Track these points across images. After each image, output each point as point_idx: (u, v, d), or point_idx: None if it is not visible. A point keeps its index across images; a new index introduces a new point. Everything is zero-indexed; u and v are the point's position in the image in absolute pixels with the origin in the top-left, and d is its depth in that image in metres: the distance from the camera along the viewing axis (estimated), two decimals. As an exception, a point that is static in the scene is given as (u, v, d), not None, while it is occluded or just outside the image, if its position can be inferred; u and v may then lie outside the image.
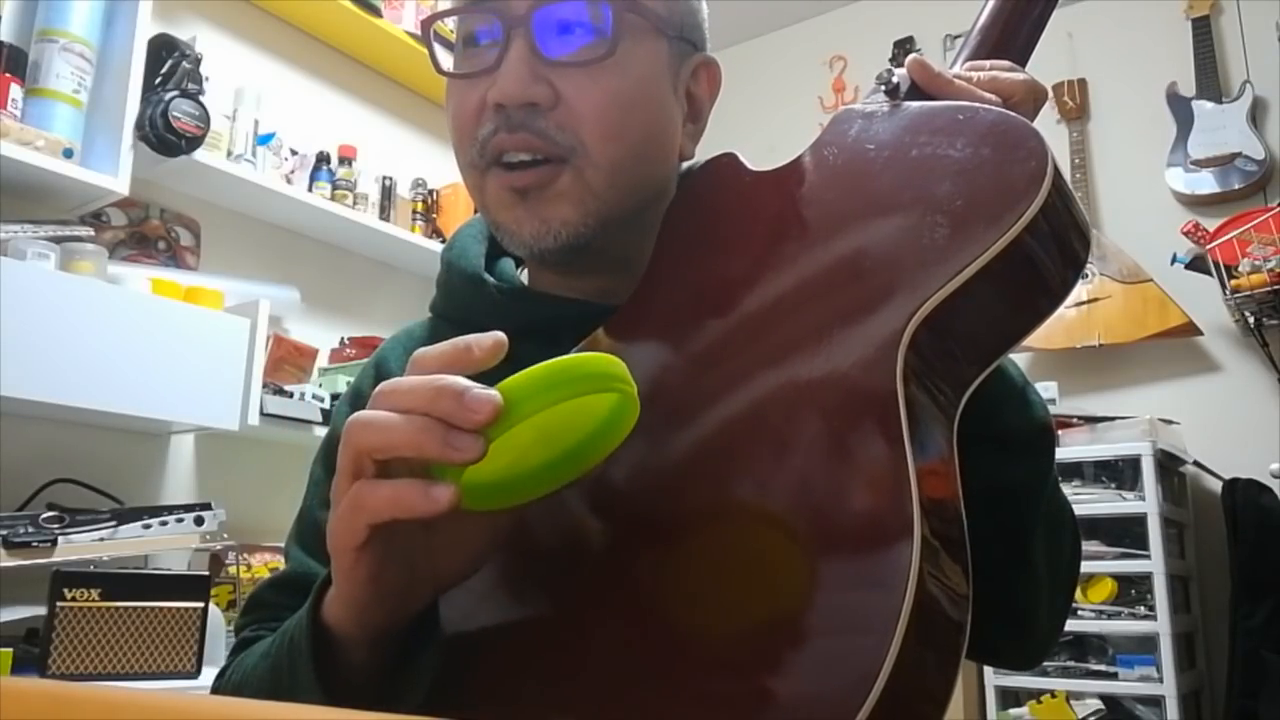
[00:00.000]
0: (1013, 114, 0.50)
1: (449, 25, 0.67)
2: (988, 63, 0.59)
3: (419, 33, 0.66)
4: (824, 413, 0.45)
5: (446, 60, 0.63)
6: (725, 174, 0.61)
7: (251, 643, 0.61)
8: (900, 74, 0.57)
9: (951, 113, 0.52)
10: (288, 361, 2.04)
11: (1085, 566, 2.15)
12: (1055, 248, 0.47)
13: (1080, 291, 2.53)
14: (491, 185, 0.61)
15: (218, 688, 0.61)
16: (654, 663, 0.42)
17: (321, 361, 2.19)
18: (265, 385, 1.88)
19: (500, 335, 0.44)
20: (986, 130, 0.49)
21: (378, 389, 0.43)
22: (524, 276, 0.71)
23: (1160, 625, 2.06)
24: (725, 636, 0.40)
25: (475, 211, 0.69)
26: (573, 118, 0.59)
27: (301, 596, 0.59)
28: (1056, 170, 0.46)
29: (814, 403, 0.45)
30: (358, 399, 0.70)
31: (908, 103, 0.55)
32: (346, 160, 2.30)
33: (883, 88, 0.57)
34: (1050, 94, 2.71)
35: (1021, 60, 0.61)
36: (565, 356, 0.42)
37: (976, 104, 0.52)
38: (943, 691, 0.38)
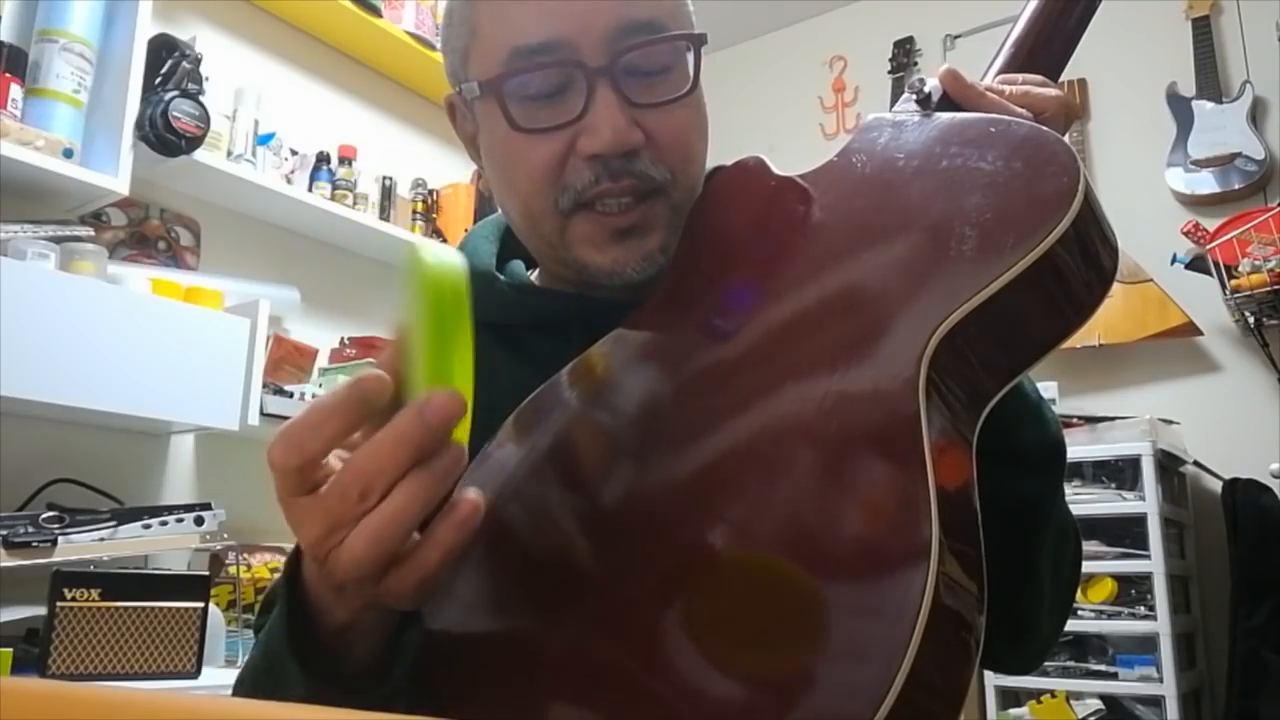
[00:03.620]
0: (1045, 128, 0.50)
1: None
2: (1020, 76, 0.59)
3: (484, 92, 0.65)
4: (843, 425, 0.44)
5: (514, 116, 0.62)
6: (751, 179, 0.61)
7: None
8: (933, 84, 0.57)
9: (983, 125, 0.51)
10: (288, 361, 2.04)
11: (1085, 566, 2.14)
12: (1084, 262, 0.46)
13: (1080, 291, 2.53)
14: (581, 228, 0.62)
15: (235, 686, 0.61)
16: (648, 683, 0.41)
17: (321, 361, 2.19)
18: (265, 385, 1.88)
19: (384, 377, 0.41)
20: (1019, 144, 0.49)
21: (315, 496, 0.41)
22: (533, 276, 0.72)
23: (1160, 625, 2.05)
24: (729, 656, 0.40)
25: (476, 213, 0.69)
26: (663, 153, 0.61)
27: None
28: (1088, 186, 0.46)
29: (834, 415, 0.44)
30: None
31: (939, 113, 0.54)
32: (346, 160, 2.30)
33: (914, 97, 0.57)
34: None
35: (1054, 75, 0.61)
36: (417, 301, 0.40)
37: (1008, 117, 0.52)
38: (956, 694, 0.38)
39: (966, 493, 0.42)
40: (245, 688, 0.54)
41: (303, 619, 0.47)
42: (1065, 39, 0.63)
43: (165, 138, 1.77)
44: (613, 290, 0.63)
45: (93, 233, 1.77)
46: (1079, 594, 2.15)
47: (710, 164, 0.74)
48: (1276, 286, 2.20)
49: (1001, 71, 0.61)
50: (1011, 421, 0.57)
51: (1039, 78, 0.59)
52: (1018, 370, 0.48)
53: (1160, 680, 2.03)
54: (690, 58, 0.61)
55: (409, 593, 0.43)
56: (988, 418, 0.47)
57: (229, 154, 2.01)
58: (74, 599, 1.40)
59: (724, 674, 0.39)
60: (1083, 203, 0.45)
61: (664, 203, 0.62)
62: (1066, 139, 0.50)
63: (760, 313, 0.52)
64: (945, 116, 0.54)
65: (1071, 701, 2.09)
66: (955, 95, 0.56)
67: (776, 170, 0.60)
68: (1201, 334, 2.45)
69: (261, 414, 1.83)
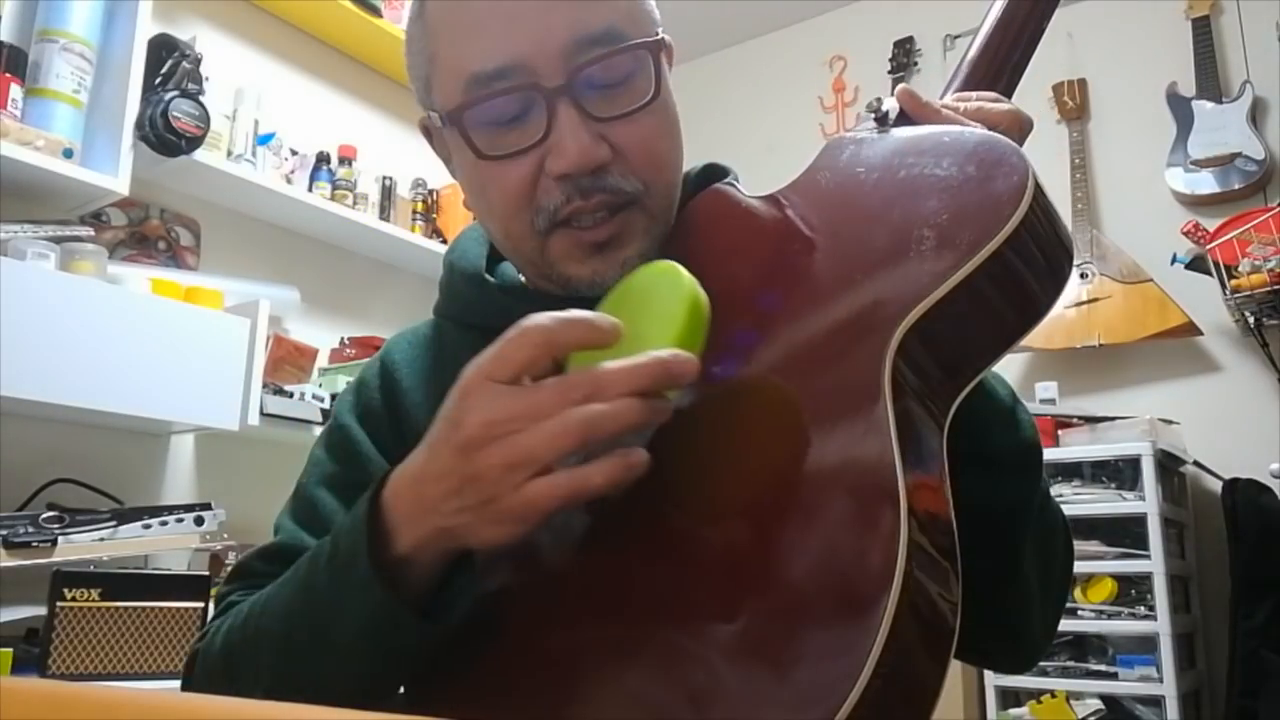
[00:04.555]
0: (995, 134, 0.52)
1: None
2: (974, 94, 0.61)
3: (447, 123, 0.66)
4: (815, 421, 0.46)
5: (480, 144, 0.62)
6: (721, 204, 0.64)
7: (236, 605, 0.61)
8: (890, 103, 0.59)
9: (938, 136, 0.54)
10: (288, 361, 2.04)
11: (1085, 566, 2.15)
12: (1039, 257, 0.49)
13: (1080, 291, 2.53)
14: (559, 244, 0.62)
15: (203, 648, 0.60)
16: (640, 678, 0.43)
17: (321, 361, 2.19)
18: (265, 385, 1.88)
19: (615, 321, 0.47)
20: (971, 150, 0.51)
21: (574, 382, 0.45)
22: (523, 278, 0.72)
23: (1160, 625, 2.05)
24: (709, 645, 0.41)
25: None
26: (633, 165, 0.61)
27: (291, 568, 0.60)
28: (1038, 185, 0.48)
29: (806, 411, 0.47)
30: (362, 390, 0.71)
31: (896, 129, 0.57)
32: (346, 160, 2.30)
33: (873, 116, 0.59)
34: (1050, 95, 2.72)
35: (1008, 92, 0.64)
36: (669, 304, 0.48)
37: (961, 127, 0.54)
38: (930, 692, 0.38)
39: (939, 483, 0.43)
40: (275, 618, 0.54)
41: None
42: (1018, 59, 0.66)
43: (165, 138, 1.77)
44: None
45: (93, 233, 1.77)
46: (1079, 594, 2.15)
47: (708, 163, 0.74)
48: (1276, 286, 2.20)
49: (959, 91, 0.64)
50: (984, 426, 0.58)
51: (992, 94, 0.61)
52: (986, 361, 0.50)
53: (1160, 680, 2.03)
54: (651, 63, 0.61)
55: (538, 504, 0.45)
56: (961, 423, 0.48)
57: (229, 154, 2.01)
58: (74, 599, 1.41)
59: (705, 675, 0.40)
60: (1033, 200, 0.47)
61: (639, 212, 0.62)
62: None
63: (738, 323, 0.54)
64: (902, 131, 0.56)
65: (1071, 701, 2.08)
66: (912, 112, 0.58)
67: (745, 194, 0.63)
68: (1201, 334, 2.45)
69: (261, 414, 1.83)
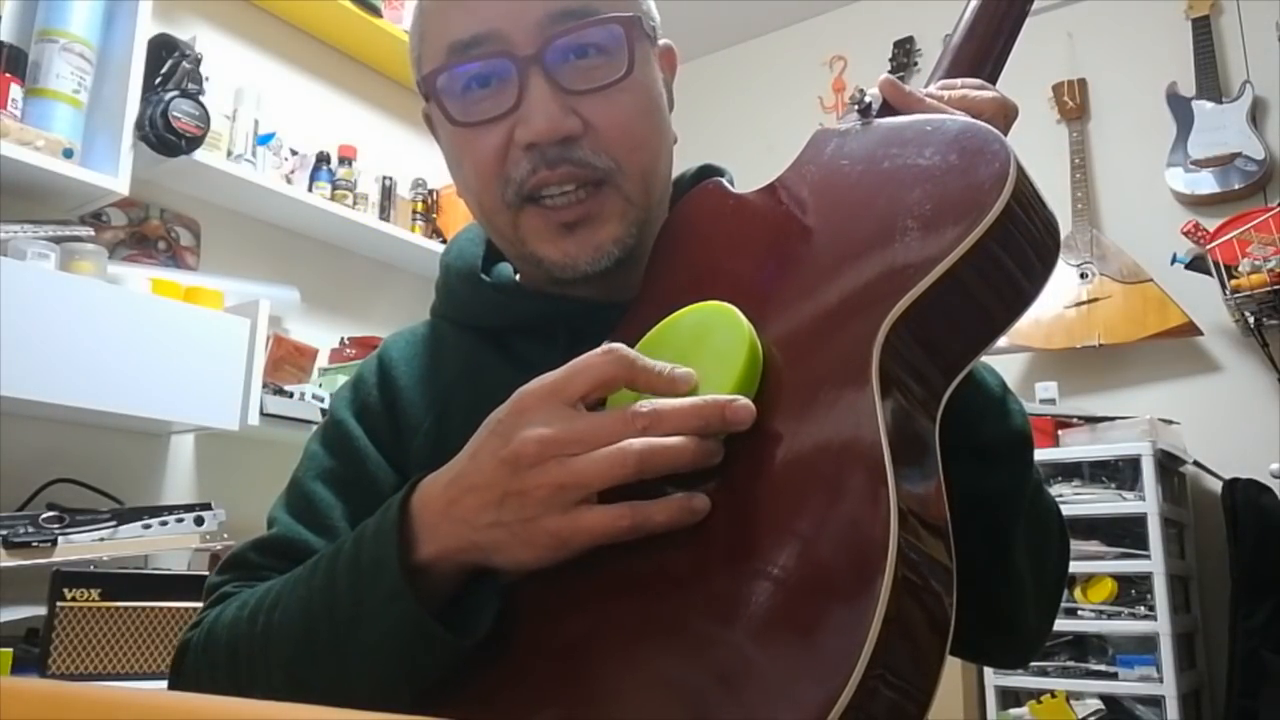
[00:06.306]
0: (977, 122, 0.51)
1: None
2: (958, 81, 0.61)
3: (427, 94, 0.67)
4: (808, 416, 0.46)
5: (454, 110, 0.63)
6: (711, 201, 0.64)
7: (231, 596, 0.61)
8: (873, 94, 0.59)
9: (920, 125, 0.54)
10: (288, 361, 2.04)
11: (1085, 566, 2.15)
12: (1024, 244, 0.49)
13: (1080, 291, 2.53)
14: (530, 221, 0.62)
15: (197, 637, 0.59)
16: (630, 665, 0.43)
17: (321, 361, 2.19)
18: (265, 385, 1.88)
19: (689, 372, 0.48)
20: (953, 139, 0.51)
21: (640, 408, 0.46)
22: (519, 279, 0.72)
23: (1160, 625, 2.05)
24: (699, 652, 0.41)
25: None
26: (604, 141, 0.60)
27: (287, 561, 0.60)
28: (1020, 171, 0.48)
29: (798, 405, 0.47)
30: (360, 387, 0.71)
31: (880, 120, 0.57)
32: (346, 160, 2.30)
33: (856, 107, 0.59)
34: (1050, 95, 2.72)
35: (993, 79, 0.63)
36: (727, 347, 0.49)
37: (943, 116, 0.54)
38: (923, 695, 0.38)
39: (930, 475, 0.43)
40: (291, 615, 0.53)
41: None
42: (1001, 45, 0.65)
43: (165, 138, 1.77)
44: (572, 284, 0.63)
45: (93, 233, 1.77)
46: (1079, 594, 2.15)
47: (708, 162, 0.73)
48: (1276, 286, 2.20)
49: (943, 79, 0.63)
50: (975, 417, 0.58)
51: (977, 81, 0.61)
52: (972, 353, 0.49)
53: (1160, 680, 2.03)
54: (625, 40, 0.61)
55: (592, 531, 0.45)
56: (952, 414, 0.48)
57: (229, 154, 2.01)
58: (74, 599, 1.40)
59: (696, 666, 0.41)
60: (1015, 186, 0.47)
61: (614, 193, 0.62)
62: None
63: None
64: (886, 121, 0.56)
65: (1071, 701, 2.08)
66: (895, 102, 0.58)
67: (734, 190, 0.63)
68: (1201, 334, 2.45)
69: (261, 414, 1.83)
